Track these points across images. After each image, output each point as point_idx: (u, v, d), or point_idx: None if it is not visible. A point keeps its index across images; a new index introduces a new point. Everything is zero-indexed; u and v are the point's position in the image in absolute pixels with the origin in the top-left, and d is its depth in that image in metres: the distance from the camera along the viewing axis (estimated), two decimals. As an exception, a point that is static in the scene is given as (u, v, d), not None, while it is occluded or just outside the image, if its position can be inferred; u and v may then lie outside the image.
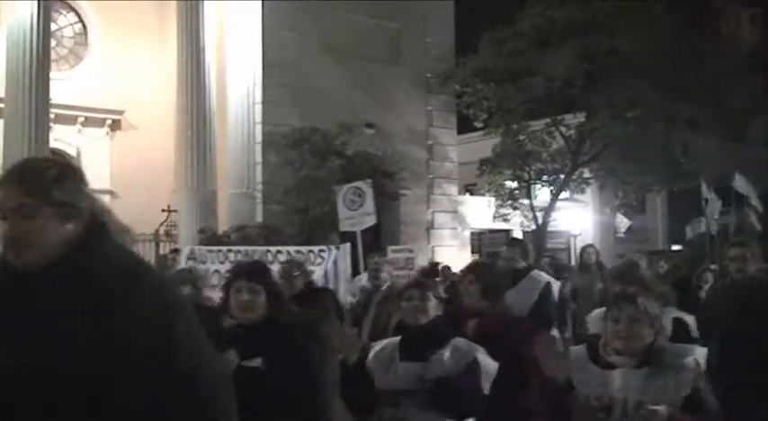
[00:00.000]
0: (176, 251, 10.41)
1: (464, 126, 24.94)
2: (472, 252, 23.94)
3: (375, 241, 19.66)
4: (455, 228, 24.09)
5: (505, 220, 23.67)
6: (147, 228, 17.97)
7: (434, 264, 8.90)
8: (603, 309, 4.90)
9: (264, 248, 9.03)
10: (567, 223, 25.87)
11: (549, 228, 23.28)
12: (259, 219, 18.64)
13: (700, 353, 3.37)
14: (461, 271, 5.02)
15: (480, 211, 24.88)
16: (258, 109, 19.79)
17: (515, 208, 23.37)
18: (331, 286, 7.92)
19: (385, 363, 3.88)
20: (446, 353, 3.77)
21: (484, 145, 23.85)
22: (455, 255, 21.20)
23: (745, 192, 20.88)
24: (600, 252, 11.07)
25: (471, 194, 27.14)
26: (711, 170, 22.47)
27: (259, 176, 19.54)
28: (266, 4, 19.83)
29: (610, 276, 5.08)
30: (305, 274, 6.54)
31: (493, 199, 24.19)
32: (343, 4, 20.83)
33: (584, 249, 10.55)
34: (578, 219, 26.78)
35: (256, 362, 3.55)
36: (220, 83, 19.35)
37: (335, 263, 8.30)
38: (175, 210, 18.48)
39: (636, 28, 20.33)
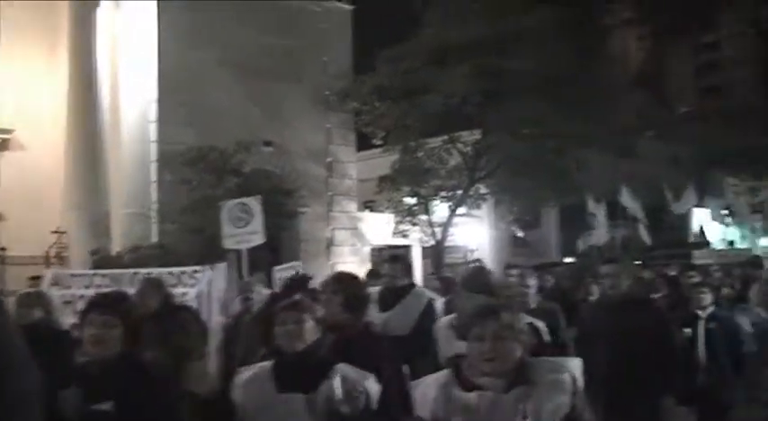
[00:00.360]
0: (36, 278, 9.83)
1: (363, 143, 25.14)
2: (372, 268, 24.05)
3: (274, 260, 19.53)
4: (355, 244, 24.20)
5: (404, 236, 23.91)
6: (37, 251, 17.44)
7: (303, 277, 8.43)
8: (451, 316, 4.78)
9: (132, 271, 8.67)
10: (464, 238, 26.30)
11: (448, 244, 23.63)
12: (154, 239, 18.30)
13: (575, 367, 3.00)
14: (324, 281, 4.76)
15: (380, 228, 25.05)
16: (153, 127, 19.45)
17: (414, 224, 23.62)
18: (204, 308, 7.68)
19: (259, 396, 3.48)
20: (335, 384, 3.43)
21: (383, 162, 24.06)
22: (355, 272, 21.24)
23: (631, 206, 21.79)
24: (487, 266, 11.21)
25: (371, 211, 27.30)
26: (602, 185, 23.36)
27: (154, 195, 19.18)
28: (162, 21, 19.55)
29: (458, 284, 4.73)
30: (160, 294, 6.19)
31: (392, 215, 24.40)
32: (240, 21, 20.73)
33: (471, 264, 10.62)
34: (475, 233, 27.25)
35: (107, 405, 3.17)
36: (114, 101, 18.95)
37: (210, 284, 8.09)
38: (66, 232, 17.97)
39: (529, 47, 20.94)
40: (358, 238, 24.36)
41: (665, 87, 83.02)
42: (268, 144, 21.21)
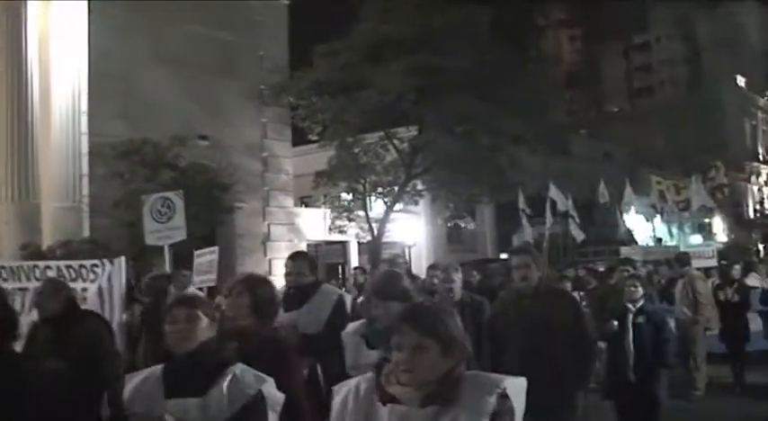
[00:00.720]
0: None
1: (299, 138, 25.02)
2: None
3: (210, 255, 19.36)
4: (292, 240, 24.10)
5: (341, 232, 23.92)
6: (-35, 245, 16.91)
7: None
8: (359, 322, 4.39)
9: (31, 264, 8.26)
10: (401, 234, 26.44)
11: (385, 239, 23.72)
12: (86, 233, 17.93)
13: (514, 385, 2.58)
14: (230, 282, 4.37)
15: (316, 223, 25.01)
16: (84, 118, 19.03)
17: (351, 220, 23.65)
18: (106, 304, 7.38)
19: (147, 401, 3.18)
20: (225, 386, 3.12)
21: (319, 157, 24.01)
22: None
23: (560, 202, 22.22)
24: (409, 262, 10.99)
25: (307, 206, 27.25)
26: (535, 182, 23.77)
27: (86, 189, 18.79)
28: (94, 11, 19.12)
29: (368, 291, 4.20)
30: (62, 295, 5.81)
31: (328, 211, 24.38)
32: (175, 13, 20.43)
33: (392, 260, 10.24)
34: (412, 229, 27.44)
35: None
36: (44, 91, 18.47)
37: (110, 279, 7.66)
38: (-5, 226, 17.47)
39: (463, 46, 21.15)
40: (295, 234, 24.27)
41: (597, 87, 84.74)
42: (203, 138, 20.98)
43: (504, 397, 2.50)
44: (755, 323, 11.65)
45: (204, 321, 3.27)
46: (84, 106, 19.01)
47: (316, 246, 26.35)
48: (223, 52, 21.94)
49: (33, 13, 18.32)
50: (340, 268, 26.09)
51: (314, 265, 6.02)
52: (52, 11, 18.84)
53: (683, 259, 11.86)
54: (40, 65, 18.38)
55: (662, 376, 7.39)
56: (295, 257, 5.98)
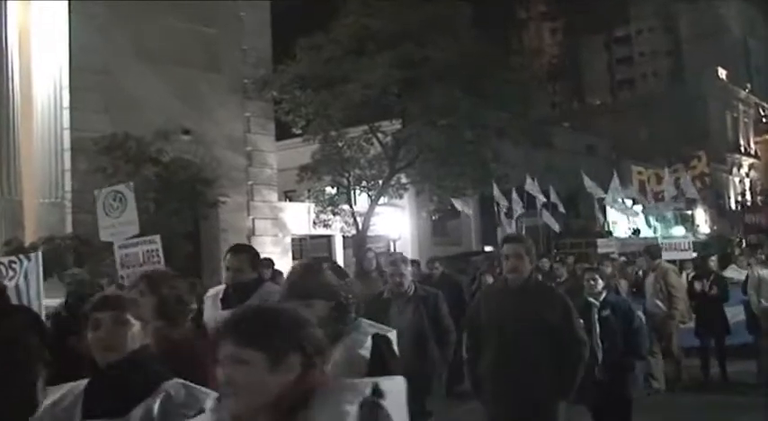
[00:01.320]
0: None
1: (283, 132, 24.96)
2: (293, 258, 24.01)
3: (195, 251, 19.31)
4: (276, 234, 24.07)
5: (326, 226, 23.88)
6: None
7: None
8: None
9: None
10: (386, 227, 26.46)
11: (369, 233, 23.70)
12: (69, 229, 17.85)
13: (388, 386, 1.96)
14: (132, 279, 3.95)
15: (301, 218, 24.98)
16: (66, 113, 18.93)
17: (335, 213, 23.61)
18: (24, 302, 7.10)
19: None
20: (154, 405, 2.61)
21: (303, 151, 23.96)
22: (277, 262, 21.07)
23: (537, 195, 22.38)
24: (377, 255, 10.40)
25: (291, 201, 27.19)
26: (518, 175, 23.89)
27: (68, 184, 18.70)
28: (75, 5, 19.02)
29: (284, 288, 3.41)
30: None
31: (313, 205, 24.36)
32: (157, 7, 20.30)
33: (363, 254, 9.76)
34: (397, 223, 27.46)
35: None
36: (25, 86, 18.37)
37: (26, 275, 7.36)
38: (-23, 222, 17.37)
39: (445, 38, 21.19)
40: (279, 228, 24.23)
41: (579, 80, 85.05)
42: (186, 132, 20.90)
43: (373, 403, 1.92)
44: (737, 315, 11.27)
45: (135, 326, 2.78)
46: (66, 101, 18.94)
47: (300, 241, 26.33)
48: (206, 46, 21.86)
49: (13, 8, 18.21)
50: (325, 262, 26.06)
51: (256, 260, 5.52)
52: (32, 6, 18.74)
53: (653, 251, 11.30)
54: (21, 60, 18.29)
55: (635, 370, 7.13)
56: (235, 252, 5.41)
